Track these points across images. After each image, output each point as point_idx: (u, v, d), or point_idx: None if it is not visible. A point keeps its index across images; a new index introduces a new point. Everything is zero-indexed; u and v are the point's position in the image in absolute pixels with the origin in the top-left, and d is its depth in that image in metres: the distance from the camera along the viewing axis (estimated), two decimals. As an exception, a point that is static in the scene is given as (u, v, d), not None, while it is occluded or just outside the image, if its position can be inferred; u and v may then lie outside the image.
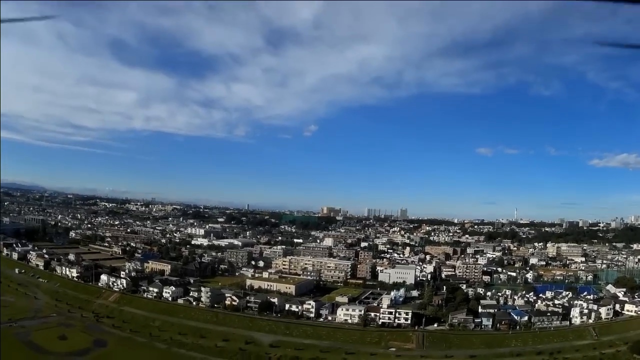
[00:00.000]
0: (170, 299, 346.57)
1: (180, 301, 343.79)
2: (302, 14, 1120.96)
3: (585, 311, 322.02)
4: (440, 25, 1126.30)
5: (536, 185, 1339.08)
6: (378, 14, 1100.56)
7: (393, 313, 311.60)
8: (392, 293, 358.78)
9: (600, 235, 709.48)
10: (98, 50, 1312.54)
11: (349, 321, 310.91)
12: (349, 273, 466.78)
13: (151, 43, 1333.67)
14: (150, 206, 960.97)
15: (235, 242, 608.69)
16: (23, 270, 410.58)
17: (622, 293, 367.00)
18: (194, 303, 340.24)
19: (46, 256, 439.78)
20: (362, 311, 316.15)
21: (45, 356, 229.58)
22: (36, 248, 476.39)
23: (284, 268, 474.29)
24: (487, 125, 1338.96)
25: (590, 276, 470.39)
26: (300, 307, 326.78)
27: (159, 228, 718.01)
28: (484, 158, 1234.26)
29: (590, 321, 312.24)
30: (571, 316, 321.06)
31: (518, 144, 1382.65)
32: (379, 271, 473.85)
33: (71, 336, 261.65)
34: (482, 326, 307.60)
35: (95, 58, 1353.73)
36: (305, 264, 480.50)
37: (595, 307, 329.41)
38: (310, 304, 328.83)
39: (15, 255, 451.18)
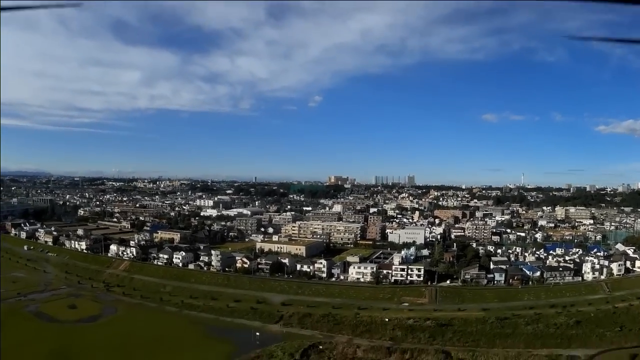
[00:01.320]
0: (180, 264, 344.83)
1: (190, 267, 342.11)
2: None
3: (597, 267, 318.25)
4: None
5: (542, 152, 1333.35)
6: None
7: (405, 270, 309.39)
8: (403, 252, 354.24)
9: (608, 199, 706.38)
10: (100, 32, 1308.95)
11: (361, 279, 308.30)
12: (359, 235, 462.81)
13: (153, 21, 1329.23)
14: (157, 183, 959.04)
15: (244, 211, 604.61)
16: (32, 247, 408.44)
17: (632, 251, 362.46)
18: (205, 268, 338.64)
19: (54, 233, 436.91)
20: (374, 269, 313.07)
21: (53, 324, 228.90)
22: (44, 226, 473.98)
23: (293, 233, 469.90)
24: (492, 91, 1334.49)
25: (599, 236, 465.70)
26: (311, 267, 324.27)
27: (168, 202, 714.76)
28: (490, 124, 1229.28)
29: (602, 277, 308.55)
30: (583, 272, 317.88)
31: (523, 110, 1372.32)
32: (388, 233, 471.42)
33: (81, 305, 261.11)
34: (495, 281, 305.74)
35: (97, 40, 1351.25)
36: (315, 228, 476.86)
37: (606, 263, 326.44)
38: (321, 263, 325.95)
39: (23, 235, 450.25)
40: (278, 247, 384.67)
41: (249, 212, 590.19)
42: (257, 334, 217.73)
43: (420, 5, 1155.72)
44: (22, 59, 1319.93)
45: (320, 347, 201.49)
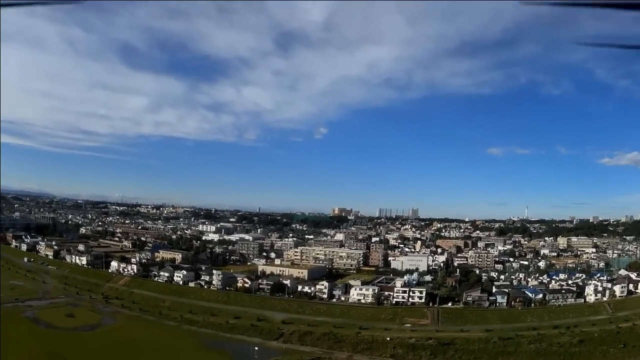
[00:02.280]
0: (181, 282, 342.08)
1: (191, 285, 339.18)
2: (312, 16, 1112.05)
3: (600, 289, 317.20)
4: (448, 26, 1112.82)
5: (547, 186, 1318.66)
6: (387, 15, 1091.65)
7: (407, 292, 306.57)
8: (405, 277, 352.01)
9: (611, 229, 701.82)
10: (107, 55, 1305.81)
11: (362, 301, 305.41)
12: (361, 261, 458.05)
13: (160, 47, 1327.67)
14: (161, 209, 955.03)
15: (247, 237, 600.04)
16: (32, 259, 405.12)
17: (635, 275, 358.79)
18: (205, 286, 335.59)
19: (55, 247, 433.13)
20: (376, 290, 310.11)
21: (50, 330, 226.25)
22: (45, 239, 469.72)
23: (295, 258, 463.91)
24: (498, 125, 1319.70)
25: (602, 264, 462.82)
26: (312, 289, 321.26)
27: (170, 226, 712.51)
28: (495, 158, 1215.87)
29: (605, 299, 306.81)
30: (585, 294, 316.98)
31: (529, 144, 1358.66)
32: (390, 260, 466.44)
33: (79, 314, 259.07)
34: (497, 304, 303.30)
35: (104, 63, 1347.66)
36: (317, 253, 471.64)
37: (609, 285, 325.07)
38: (323, 284, 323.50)
39: (24, 247, 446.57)
40: (280, 271, 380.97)
41: (250, 238, 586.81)
42: (256, 348, 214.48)
43: (426, 37, 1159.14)
44: (29, 78, 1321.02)
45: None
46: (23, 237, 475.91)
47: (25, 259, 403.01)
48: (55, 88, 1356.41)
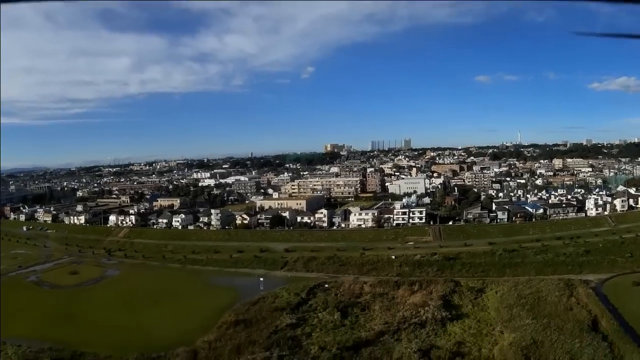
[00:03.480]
0: (180, 227, 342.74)
1: (190, 228, 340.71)
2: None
3: (600, 203, 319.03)
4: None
5: (538, 111, 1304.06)
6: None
7: (407, 213, 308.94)
8: (404, 199, 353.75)
9: (605, 151, 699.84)
10: (87, 23, 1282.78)
11: (363, 226, 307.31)
12: (359, 189, 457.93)
13: (139, 6, 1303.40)
14: (154, 165, 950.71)
15: (242, 178, 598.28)
16: (31, 227, 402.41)
17: (634, 190, 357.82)
18: (205, 228, 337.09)
19: (53, 212, 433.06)
20: (375, 214, 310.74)
21: (54, 290, 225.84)
22: (43, 207, 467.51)
23: (293, 191, 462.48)
24: (484, 53, 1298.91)
25: (600, 181, 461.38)
26: (312, 218, 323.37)
27: (165, 179, 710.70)
28: (484, 85, 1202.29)
29: (606, 212, 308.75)
30: (586, 208, 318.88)
31: (517, 70, 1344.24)
32: (388, 185, 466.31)
33: (82, 270, 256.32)
34: (498, 220, 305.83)
35: (85, 31, 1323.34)
36: (314, 185, 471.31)
37: (609, 199, 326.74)
38: (322, 212, 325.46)
39: (22, 217, 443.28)
40: (278, 204, 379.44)
41: (246, 179, 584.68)
42: (261, 279, 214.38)
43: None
44: (10, 56, 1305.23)
45: (326, 285, 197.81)
46: (21, 208, 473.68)
47: (24, 228, 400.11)
48: (37, 62, 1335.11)
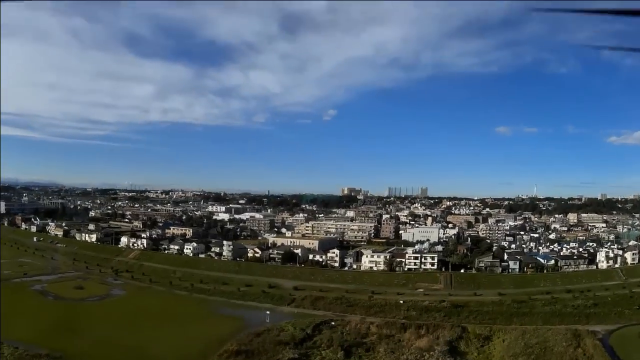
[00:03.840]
0: (191, 254, 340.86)
1: (201, 256, 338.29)
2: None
3: (611, 255, 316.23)
4: (454, 5, 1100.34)
5: (555, 165, 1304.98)
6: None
7: (419, 258, 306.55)
8: (417, 246, 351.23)
9: (619, 206, 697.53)
10: (113, 45, 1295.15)
11: (374, 268, 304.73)
12: (372, 234, 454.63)
13: (166, 34, 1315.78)
14: (170, 193, 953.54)
15: (257, 215, 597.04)
16: (41, 239, 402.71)
17: None
18: (216, 257, 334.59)
19: (65, 227, 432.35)
20: (388, 257, 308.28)
21: (59, 301, 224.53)
22: (55, 221, 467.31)
23: (306, 232, 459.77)
24: (506, 104, 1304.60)
25: (612, 236, 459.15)
26: (324, 257, 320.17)
27: (180, 209, 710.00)
28: (503, 137, 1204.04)
29: (617, 265, 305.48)
30: (597, 261, 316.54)
31: (536, 123, 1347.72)
32: (402, 233, 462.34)
33: (87, 287, 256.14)
34: (509, 270, 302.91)
35: (110, 53, 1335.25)
36: (328, 227, 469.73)
37: (620, 252, 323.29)
38: (334, 252, 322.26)
39: (34, 229, 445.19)
40: (291, 242, 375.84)
41: (261, 216, 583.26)
42: (268, 312, 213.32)
43: (433, 17, 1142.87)
44: (34, 70, 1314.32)
45: (333, 322, 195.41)
46: (32, 219, 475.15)
47: (35, 239, 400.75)
48: (61, 79, 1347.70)
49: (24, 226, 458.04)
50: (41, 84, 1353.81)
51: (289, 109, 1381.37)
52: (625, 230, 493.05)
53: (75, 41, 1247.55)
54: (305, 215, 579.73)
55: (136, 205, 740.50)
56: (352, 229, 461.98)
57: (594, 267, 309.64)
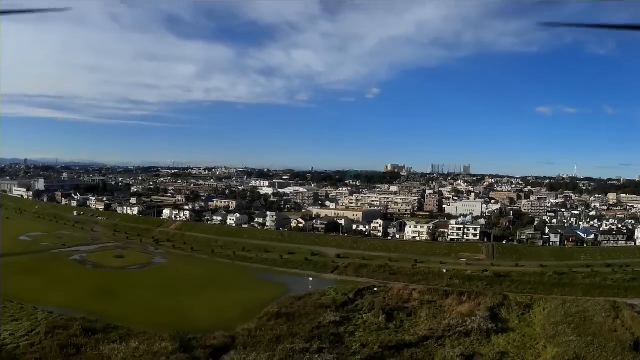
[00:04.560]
0: (234, 225, 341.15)
1: (244, 227, 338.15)
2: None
3: None
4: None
5: (594, 146, 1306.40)
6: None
7: (462, 229, 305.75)
8: (460, 218, 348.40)
9: None
10: (153, 27, 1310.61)
11: (417, 238, 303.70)
12: (416, 207, 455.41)
13: (207, 16, 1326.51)
14: (213, 170, 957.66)
15: (301, 189, 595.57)
16: (82, 213, 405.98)
17: None
18: (259, 228, 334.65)
19: (106, 201, 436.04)
20: (431, 227, 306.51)
21: (99, 270, 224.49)
22: (96, 196, 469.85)
23: (350, 205, 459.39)
24: (546, 84, 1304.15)
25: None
26: (367, 227, 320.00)
27: (223, 184, 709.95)
28: (544, 117, 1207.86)
29: None
30: (636, 237, 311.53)
31: (576, 103, 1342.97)
32: (445, 207, 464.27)
33: (128, 256, 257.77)
34: (550, 242, 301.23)
35: (150, 34, 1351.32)
36: (372, 200, 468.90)
37: None
38: (378, 222, 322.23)
39: (74, 203, 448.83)
40: (335, 214, 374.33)
41: (305, 190, 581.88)
42: (310, 279, 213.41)
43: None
44: (72, 53, 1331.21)
45: (375, 289, 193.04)
46: (73, 194, 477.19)
47: (75, 213, 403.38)
48: (101, 61, 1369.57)
49: (64, 202, 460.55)
50: (81, 66, 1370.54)
51: (332, 87, 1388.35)
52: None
53: (114, 24, 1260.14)
54: (349, 189, 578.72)
55: (179, 181, 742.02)
56: (395, 202, 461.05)
57: (633, 243, 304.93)
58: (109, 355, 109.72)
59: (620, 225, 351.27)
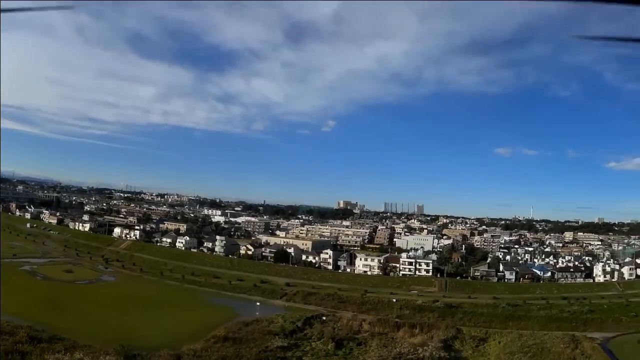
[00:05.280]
0: (183, 248, 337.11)
1: (193, 251, 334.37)
2: (322, 9, 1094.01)
3: (608, 270, 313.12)
4: (459, 23, 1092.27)
5: (553, 188, 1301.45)
6: (397, 10, 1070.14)
7: (413, 264, 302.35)
8: (411, 252, 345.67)
9: (616, 229, 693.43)
10: (117, 44, 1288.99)
11: (368, 272, 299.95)
12: (367, 240, 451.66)
13: (171, 37, 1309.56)
14: (165, 196, 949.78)
15: (253, 219, 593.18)
16: (35, 225, 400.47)
17: None
18: (208, 253, 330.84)
19: (59, 216, 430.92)
20: (382, 261, 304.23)
21: (48, 282, 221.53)
22: (50, 209, 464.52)
23: (301, 234, 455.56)
24: (506, 124, 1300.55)
25: (608, 254, 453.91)
26: (317, 258, 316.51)
27: (175, 210, 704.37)
28: (502, 158, 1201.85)
29: (614, 279, 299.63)
30: (594, 274, 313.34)
31: (536, 145, 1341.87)
32: (396, 240, 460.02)
33: (77, 271, 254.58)
34: (505, 279, 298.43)
35: (114, 52, 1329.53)
36: (323, 231, 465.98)
37: (617, 267, 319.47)
38: (327, 253, 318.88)
39: (28, 215, 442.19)
40: (284, 242, 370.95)
41: (256, 220, 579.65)
42: (258, 304, 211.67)
43: (437, 34, 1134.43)
44: (37, 64, 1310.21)
45: (324, 317, 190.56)
46: (27, 206, 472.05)
47: (28, 225, 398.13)
48: (64, 75, 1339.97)
49: (18, 213, 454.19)
50: (44, 78, 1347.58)
51: (288, 118, 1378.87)
52: (620, 248, 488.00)
53: (80, 38, 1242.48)
54: (301, 221, 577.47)
55: (131, 205, 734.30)
56: (346, 234, 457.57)
57: (591, 280, 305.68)
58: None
59: (577, 263, 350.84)
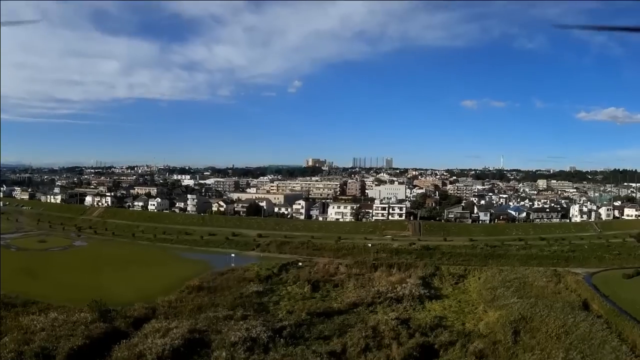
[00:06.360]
0: (155, 210, 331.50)
1: (166, 212, 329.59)
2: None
3: (585, 210, 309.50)
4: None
5: (522, 139, 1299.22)
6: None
7: (387, 209, 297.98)
8: (385, 200, 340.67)
9: (589, 177, 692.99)
10: (80, 23, 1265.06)
11: (341, 220, 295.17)
12: (338, 192, 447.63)
13: (132, 9, 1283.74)
14: (135, 168, 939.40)
15: (222, 179, 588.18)
16: (7, 203, 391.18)
17: (619, 203, 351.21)
18: (180, 212, 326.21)
19: (31, 191, 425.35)
20: (355, 208, 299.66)
21: (22, 252, 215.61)
22: (22, 187, 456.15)
23: (271, 190, 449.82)
24: (473, 78, 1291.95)
25: (584, 199, 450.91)
26: (289, 209, 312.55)
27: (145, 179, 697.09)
28: (469, 111, 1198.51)
29: (591, 220, 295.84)
30: (571, 215, 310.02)
31: (504, 97, 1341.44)
32: (367, 191, 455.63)
33: (50, 240, 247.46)
34: (480, 221, 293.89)
35: (77, 31, 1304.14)
36: (294, 186, 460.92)
37: (594, 207, 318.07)
38: (300, 203, 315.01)
39: (0, 195, 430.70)
40: (255, 197, 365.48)
41: (226, 180, 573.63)
42: (232, 255, 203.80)
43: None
44: (2, 50, 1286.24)
45: (300, 263, 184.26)
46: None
47: (0, 204, 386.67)
48: (29, 59, 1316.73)
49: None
50: (9, 63, 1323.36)
51: (254, 82, 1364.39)
52: (597, 195, 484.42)
53: (43, 20, 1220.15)
54: (271, 177, 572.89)
55: (102, 178, 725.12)
56: (317, 187, 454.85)
57: (568, 220, 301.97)
58: (28, 325, 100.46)
59: (553, 204, 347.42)
